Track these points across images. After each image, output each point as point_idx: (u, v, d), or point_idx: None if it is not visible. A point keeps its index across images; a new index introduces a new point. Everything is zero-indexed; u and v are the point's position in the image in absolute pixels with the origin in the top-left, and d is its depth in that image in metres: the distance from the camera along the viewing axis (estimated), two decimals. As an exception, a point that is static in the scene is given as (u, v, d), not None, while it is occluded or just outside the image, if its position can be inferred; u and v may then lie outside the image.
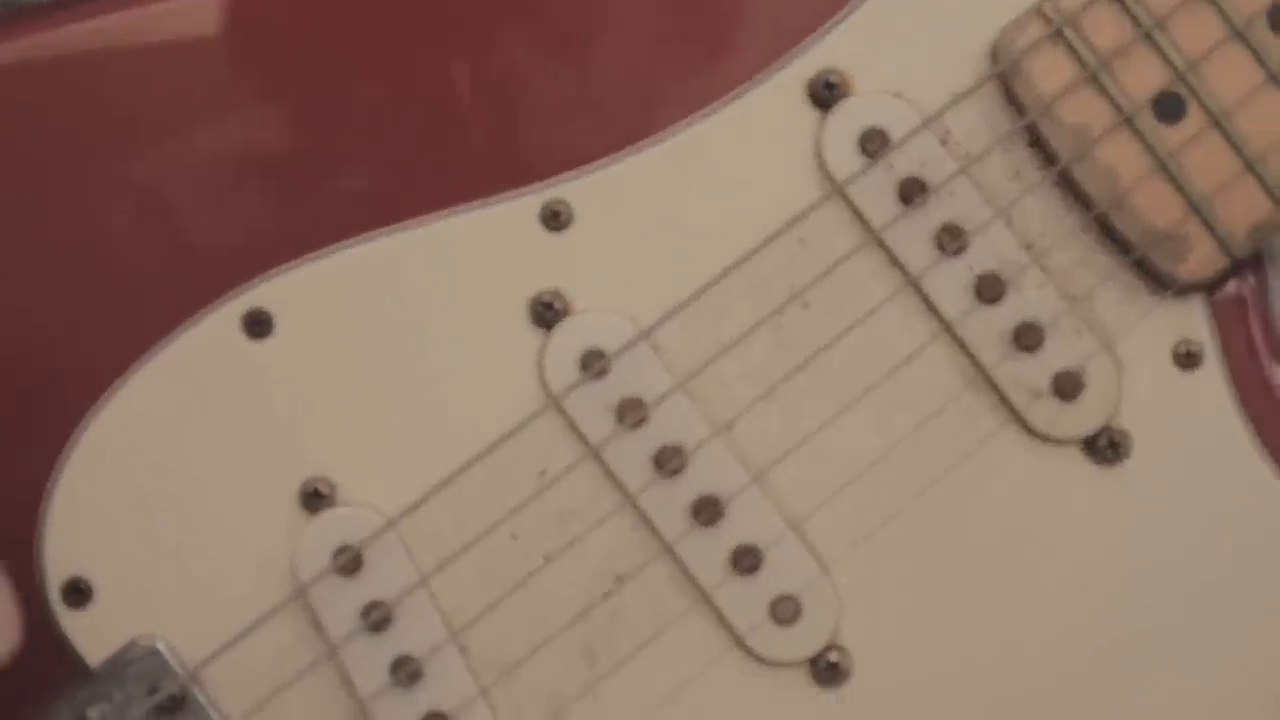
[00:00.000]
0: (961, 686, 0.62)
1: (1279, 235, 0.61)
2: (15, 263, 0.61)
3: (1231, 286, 0.62)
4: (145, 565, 0.62)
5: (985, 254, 0.61)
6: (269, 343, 0.62)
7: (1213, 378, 0.61)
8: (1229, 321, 0.62)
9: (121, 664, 0.62)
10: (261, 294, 0.61)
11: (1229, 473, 0.61)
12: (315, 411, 0.62)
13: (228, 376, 0.62)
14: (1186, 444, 0.61)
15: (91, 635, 0.62)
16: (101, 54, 0.61)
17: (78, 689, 0.62)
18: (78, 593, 0.62)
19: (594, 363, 0.61)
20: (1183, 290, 0.61)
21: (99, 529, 0.62)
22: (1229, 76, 0.60)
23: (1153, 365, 0.61)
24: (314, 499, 0.62)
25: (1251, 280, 0.62)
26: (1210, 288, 0.62)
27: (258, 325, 0.61)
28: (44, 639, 0.62)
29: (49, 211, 0.61)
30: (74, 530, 0.62)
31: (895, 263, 0.61)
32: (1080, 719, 0.61)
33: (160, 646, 0.62)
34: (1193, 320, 0.61)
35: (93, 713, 0.61)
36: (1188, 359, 0.61)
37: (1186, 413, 0.61)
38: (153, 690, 0.61)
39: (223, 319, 0.61)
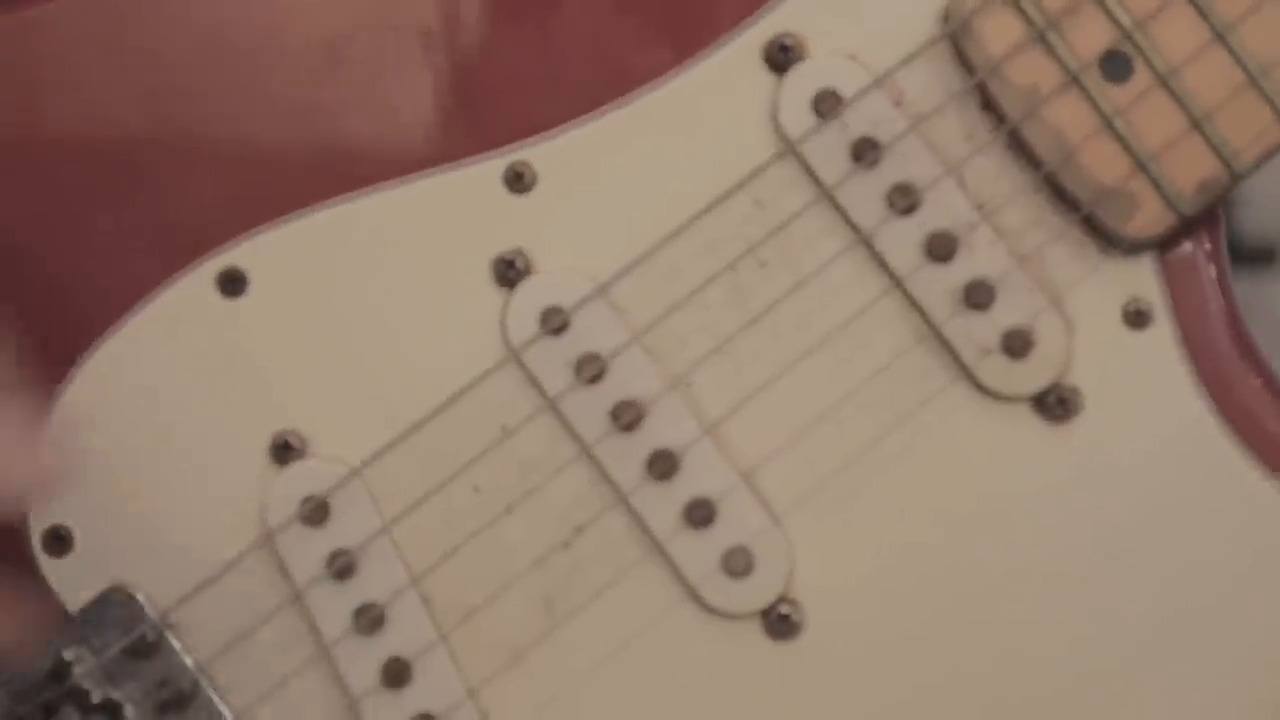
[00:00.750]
0: (911, 639, 0.62)
1: (1224, 196, 0.61)
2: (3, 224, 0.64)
3: (1185, 245, 0.63)
4: (123, 515, 0.64)
5: (937, 212, 0.62)
6: (243, 301, 0.64)
7: (1162, 337, 0.62)
8: (1180, 281, 0.62)
9: (99, 609, 0.64)
10: (236, 255, 0.64)
11: (1178, 432, 0.62)
12: (286, 367, 0.64)
13: (203, 334, 0.64)
14: (1136, 402, 0.62)
15: (71, 581, 0.64)
16: (81, 24, 0.64)
17: (56, 633, 0.64)
18: (58, 540, 0.64)
19: (553, 319, 0.63)
20: (1132, 249, 0.62)
21: (80, 480, 0.64)
22: (1175, 35, 0.61)
23: (1102, 323, 0.62)
24: (284, 451, 0.64)
25: (1207, 243, 0.63)
26: (1162, 247, 0.62)
27: (232, 284, 0.64)
28: (30, 586, 0.64)
29: (31, 173, 0.64)
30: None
31: (847, 220, 0.62)
32: (1024, 667, 0.62)
33: (136, 593, 0.64)
34: (1143, 279, 0.62)
35: (69, 654, 0.63)
36: (1137, 317, 0.62)
37: (1136, 371, 0.62)
38: (128, 633, 0.63)
39: (199, 278, 0.64)
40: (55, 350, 0.64)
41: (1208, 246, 0.63)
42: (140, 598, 0.64)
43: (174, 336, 0.64)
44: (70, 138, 0.65)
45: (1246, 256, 1.19)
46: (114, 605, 0.64)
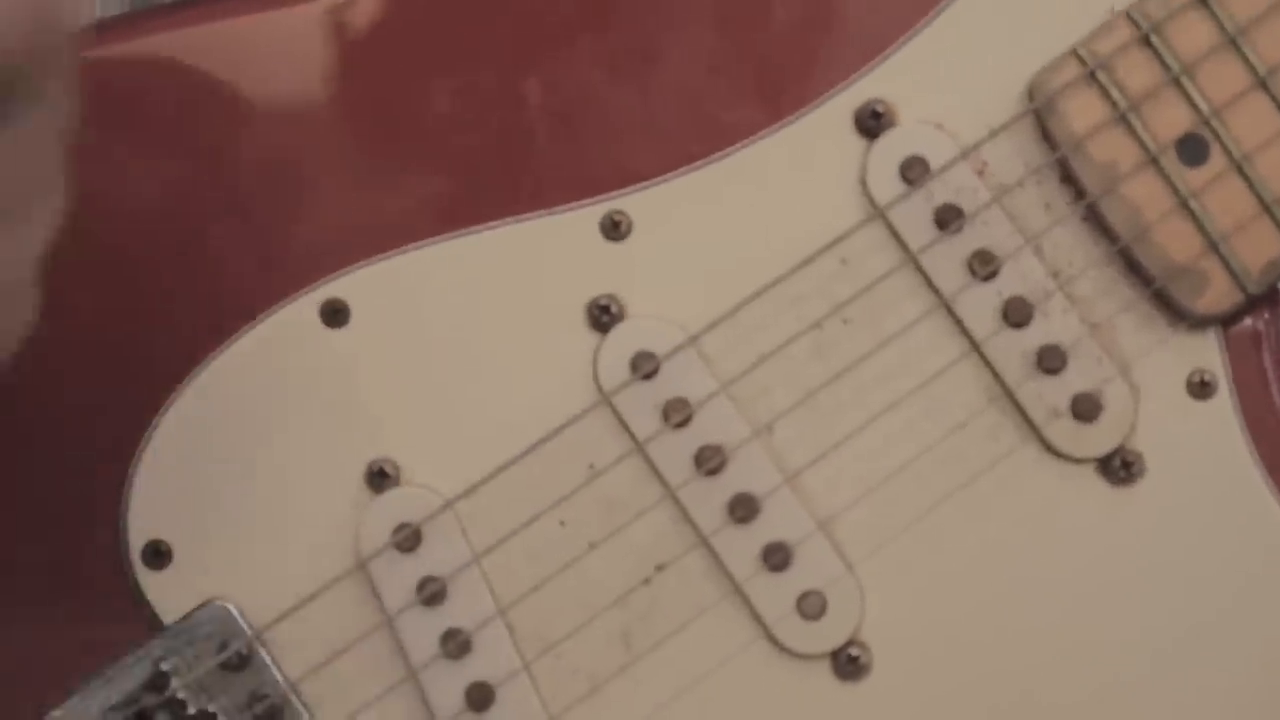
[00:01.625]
0: (973, 686, 0.66)
1: (1289, 275, 0.64)
2: (121, 244, 0.67)
3: (1247, 321, 0.66)
4: (221, 532, 0.67)
5: (1014, 279, 0.65)
6: (344, 331, 0.66)
7: (1224, 408, 0.65)
8: (1242, 354, 0.65)
9: (194, 622, 0.66)
10: (340, 286, 0.66)
11: (1234, 500, 0.65)
12: (384, 397, 0.67)
13: (305, 361, 0.66)
14: (1196, 470, 0.65)
15: (168, 594, 0.67)
16: (212, 55, 0.67)
17: (152, 643, 0.66)
18: (157, 555, 0.67)
19: (644, 364, 0.66)
20: (1199, 322, 0.65)
21: (180, 496, 0.67)
22: (1251, 123, 0.64)
23: (1167, 392, 0.65)
24: (379, 478, 0.66)
25: (1266, 315, 0.66)
26: (1226, 321, 0.65)
27: (335, 315, 0.66)
28: (124, 597, 0.67)
29: (154, 199, 0.66)
30: (157, 496, 0.67)
31: (929, 284, 0.65)
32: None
33: (231, 608, 0.66)
34: (1207, 351, 0.65)
35: (165, 665, 0.66)
36: (1201, 388, 0.65)
37: (1198, 440, 0.65)
38: (221, 647, 0.66)
39: (303, 307, 0.66)
40: (162, 368, 0.66)
41: (1267, 317, 0.66)
42: (235, 612, 0.66)
43: (277, 361, 0.67)
44: (190, 162, 0.67)
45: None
46: (209, 619, 0.66)
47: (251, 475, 0.67)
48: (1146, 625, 0.65)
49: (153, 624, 0.67)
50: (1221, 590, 0.65)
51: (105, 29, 0.69)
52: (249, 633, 0.66)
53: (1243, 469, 0.65)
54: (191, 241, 0.67)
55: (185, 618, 0.66)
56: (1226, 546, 0.65)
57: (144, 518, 0.67)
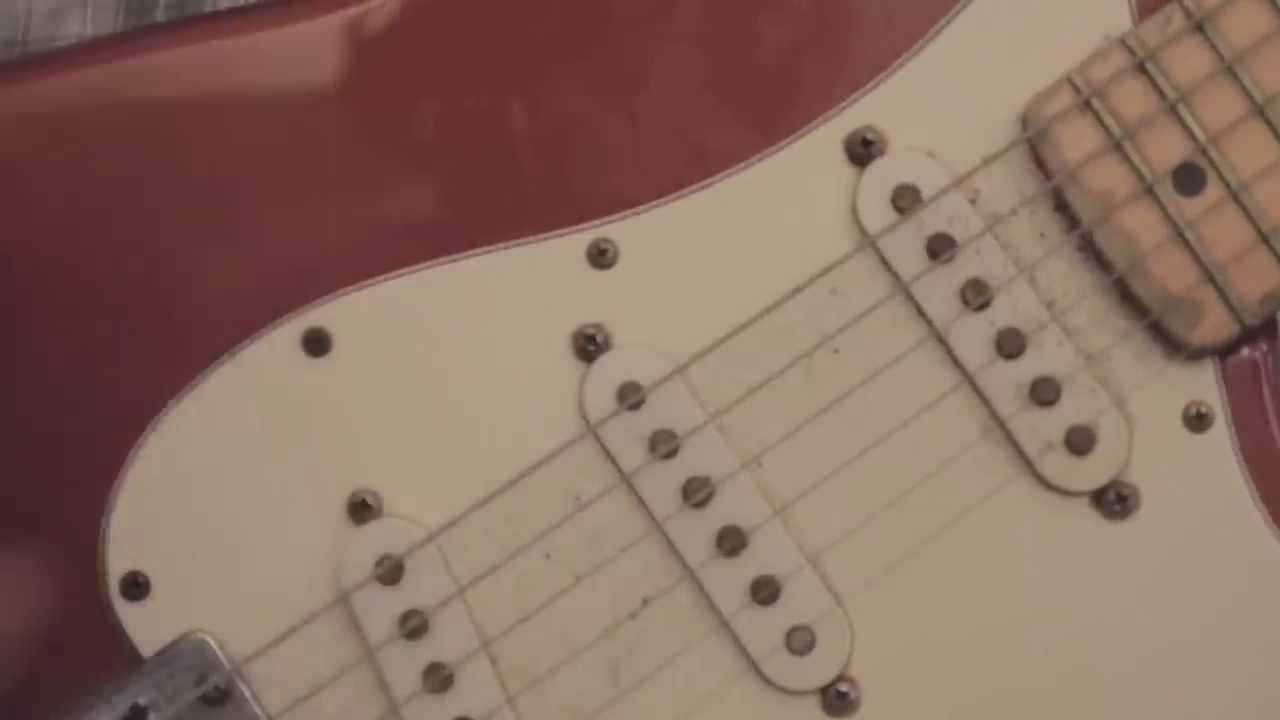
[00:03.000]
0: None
1: (1286, 306, 0.63)
2: (96, 272, 0.66)
3: (1245, 352, 0.65)
4: (200, 564, 0.66)
5: (1007, 310, 0.64)
6: (327, 361, 0.65)
7: (1221, 440, 0.64)
8: (1240, 386, 0.64)
9: (172, 655, 0.65)
10: (322, 314, 0.65)
11: (1231, 535, 0.64)
12: (366, 427, 0.66)
13: (287, 390, 0.65)
14: (1192, 503, 0.64)
15: (146, 627, 0.66)
16: (189, 80, 0.66)
17: (131, 677, 0.65)
18: (135, 586, 0.66)
19: (630, 395, 0.64)
20: (1195, 354, 0.64)
21: (159, 527, 0.66)
22: (1249, 151, 0.63)
23: (1163, 425, 0.64)
24: (361, 510, 0.65)
25: (1264, 346, 0.65)
26: (1223, 353, 0.64)
27: (317, 344, 0.65)
28: (101, 629, 0.66)
29: (132, 225, 0.65)
30: (136, 527, 0.66)
31: (921, 314, 0.64)
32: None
33: (209, 641, 0.65)
34: (1204, 383, 0.64)
35: (143, 699, 0.65)
36: (1197, 420, 0.64)
37: (1194, 473, 0.64)
38: (200, 681, 0.65)
39: (284, 336, 0.65)
40: (142, 397, 0.65)
41: (1264, 353, 0.65)
42: (214, 646, 0.65)
43: (258, 390, 0.66)
44: (168, 188, 0.66)
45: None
46: (188, 652, 0.65)
47: (232, 505, 0.66)
48: (1141, 661, 0.64)
49: (131, 657, 0.66)
50: (1218, 627, 0.64)
51: (88, 50, 0.68)
52: (228, 666, 0.65)
53: (1240, 503, 0.64)
54: (172, 269, 0.66)
55: (164, 651, 0.65)
56: (1223, 582, 0.64)
57: (123, 548, 0.66)
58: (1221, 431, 0.64)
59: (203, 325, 0.66)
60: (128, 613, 0.66)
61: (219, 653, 0.65)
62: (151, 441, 0.65)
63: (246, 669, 0.65)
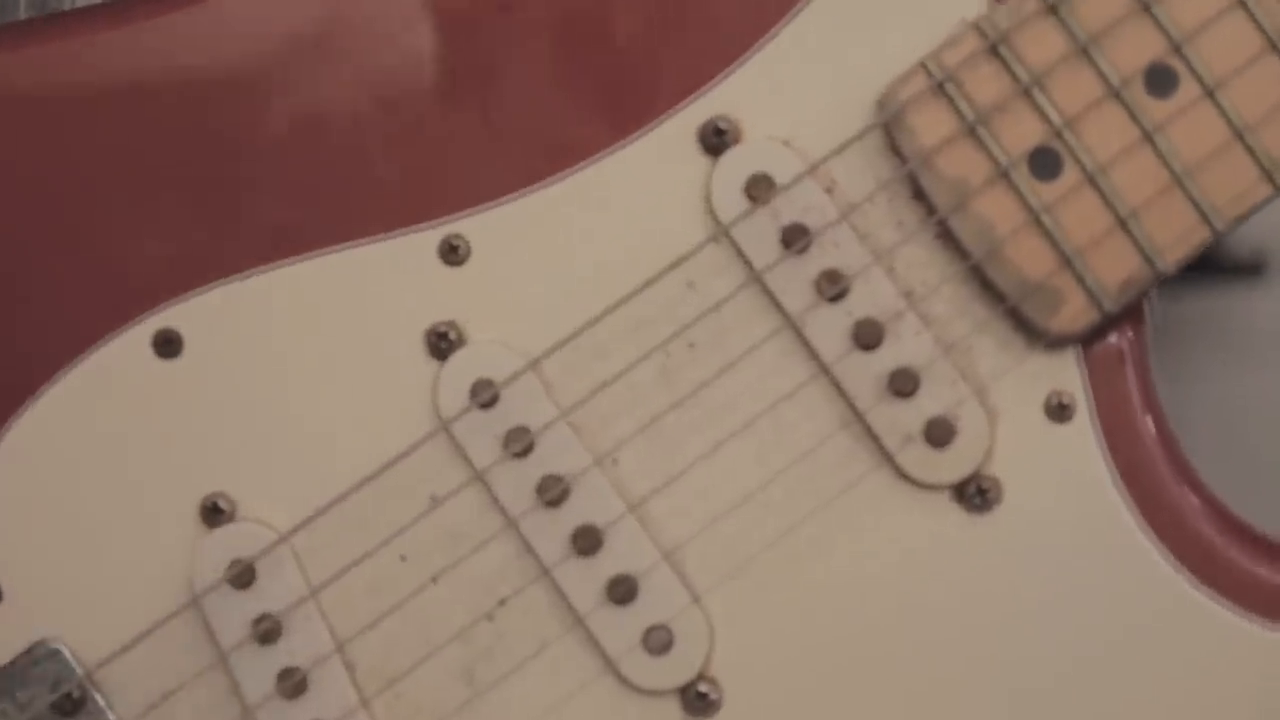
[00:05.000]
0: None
1: (1146, 292, 0.62)
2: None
3: (1110, 339, 0.63)
4: (52, 570, 0.65)
5: (864, 300, 0.63)
6: (178, 362, 0.65)
7: (1084, 430, 0.63)
8: (1104, 374, 0.63)
9: (25, 664, 0.65)
10: (172, 315, 0.64)
11: (1096, 527, 0.62)
12: (219, 429, 0.65)
13: (137, 393, 0.65)
14: (1056, 495, 0.63)
15: (-2, 636, 0.65)
16: (38, 78, 0.65)
17: (-18, 686, 0.64)
18: (-14, 594, 0.65)
19: (483, 392, 0.63)
20: (1056, 342, 0.63)
21: (10, 535, 0.65)
22: (1105, 134, 0.61)
23: (1024, 415, 0.63)
24: (213, 513, 0.64)
25: (1130, 334, 0.64)
26: (1087, 340, 0.63)
27: (167, 345, 0.64)
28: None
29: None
30: (-14, 534, 0.65)
31: (776, 305, 0.63)
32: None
33: (62, 648, 0.64)
34: (1066, 372, 0.63)
35: (-7, 708, 0.64)
36: (1059, 410, 0.63)
37: (1057, 464, 0.63)
38: (53, 689, 0.64)
39: (134, 338, 0.64)
40: (-13, 403, 0.65)
41: (1130, 340, 0.64)
42: (67, 653, 0.64)
43: (108, 394, 0.65)
44: (14, 189, 0.65)
45: (1234, 269, 1.19)
46: (40, 660, 0.65)
47: (83, 511, 0.65)
48: (1006, 657, 0.63)
49: (-15, 666, 0.65)
50: (1083, 621, 0.62)
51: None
52: (80, 673, 0.64)
53: (1103, 493, 0.63)
54: (17, 272, 0.65)
55: (14, 659, 0.65)
56: (1088, 574, 0.63)
57: (-27, 556, 0.65)
58: (1084, 421, 0.63)
59: (52, 328, 0.65)
60: (-22, 623, 0.65)
61: (72, 660, 0.64)
62: (1, 447, 0.64)
63: (99, 676, 0.65)
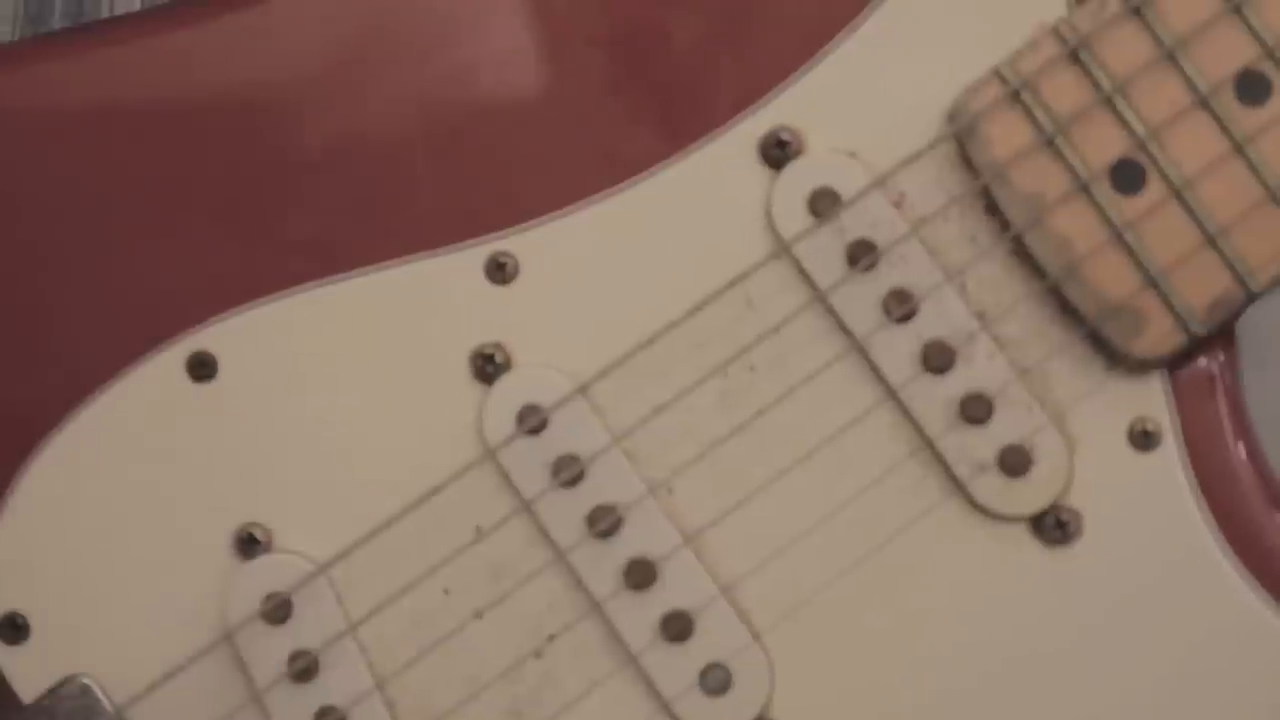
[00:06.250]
0: (892, 765, 0.60)
1: (1238, 314, 0.58)
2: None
3: (1200, 363, 0.60)
4: (82, 603, 0.62)
5: (934, 320, 0.59)
6: (212, 386, 0.62)
7: (1170, 460, 0.59)
8: (1192, 401, 0.59)
9: (53, 700, 0.62)
10: (206, 337, 0.62)
11: (1181, 562, 0.59)
12: (254, 456, 0.62)
13: (170, 418, 0.62)
14: (1140, 529, 0.59)
15: (26, 670, 0.62)
16: (64, 95, 0.62)
17: (10, 722, 0.62)
18: (14, 628, 0.62)
19: (531, 417, 0.60)
20: (1139, 366, 0.59)
21: (39, 566, 0.62)
22: (1192, 146, 0.58)
23: (1106, 444, 0.59)
24: (248, 544, 0.61)
25: (1221, 357, 0.60)
26: (1173, 364, 0.59)
27: (201, 367, 0.62)
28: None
29: (8, 244, 0.62)
30: (14, 566, 0.62)
31: (841, 326, 0.60)
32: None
33: (91, 684, 0.62)
34: (1151, 398, 0.59)
35: (21, 746, 0.61)
36: (1144, 438, 0.59)
37: (1141, 496, 0.59)
38: (82, 727, 0.61)
39: (168, 360, 0.62)
40: (18, 428, 0.62)
41: (1221, 364, 0.60)
42: (96, 690, 0.62)
43: (140, 419, 0.62)
44: (45, 210, 0.62)
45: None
46: (70, 697, 0.62)
47: (114, 541, 0.62)
48: (1085, 699, 0.59)
49: (11, 703, 0.62)
50: (1169, 663, 0.59)
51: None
52: (111, 710, 0.61)
53: (1191, 527, 0.59)
54: (51, 291, 0.62)
55: (44, 695, 0.62)
56: (1172, 613, 0.59)
57: (1, 588, 0.62)
58: (1171, 450, 0.59)
59: (84, 350, 0.62)
60: (7, 657, 0.62)
61: (102, 696, 0.62)
62: (30, 475, 0.62)
63: (130, 712, 0.62)
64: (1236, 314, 0.59)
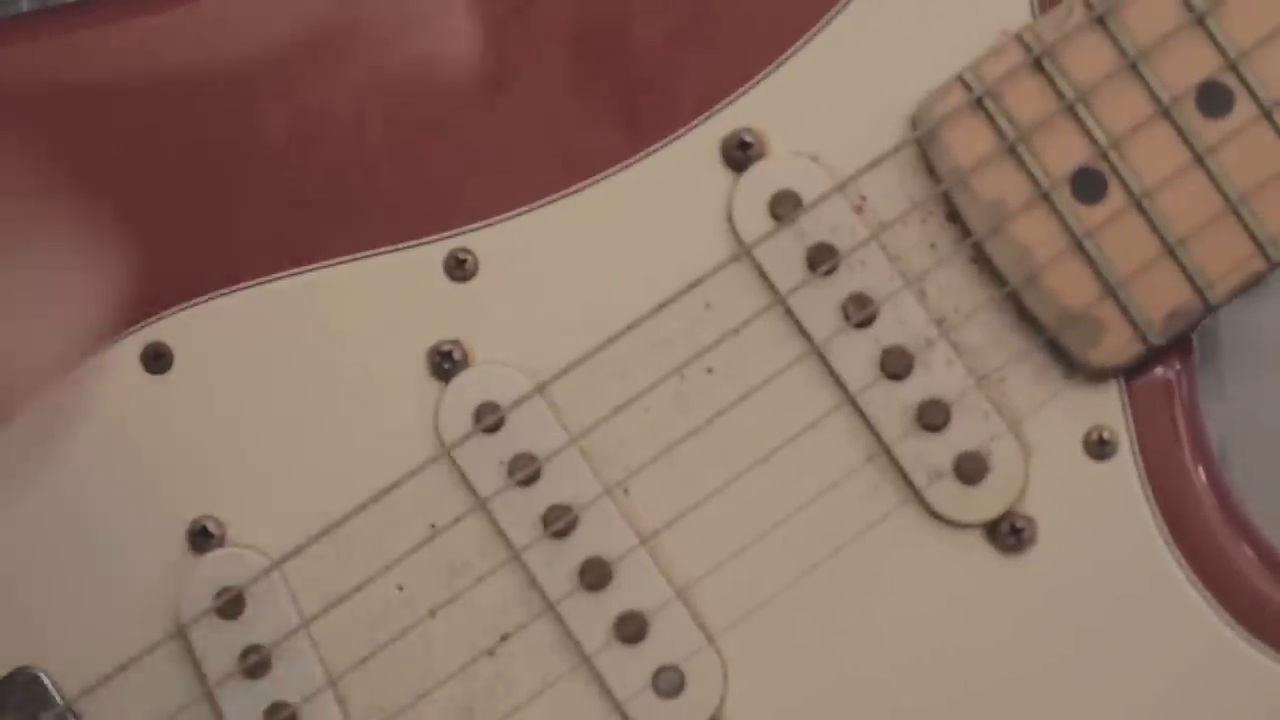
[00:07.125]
0: (844, 770, 0.60)
1: (1195, 325, 0.58)
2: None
3: (1156, 372, 0.60)
4: (33, 596, 0.62)
5: (893, 326, 0.59)
6: (167, 378, 0.61)
7: (1125, 468, 0.59)
8: (1148, 410, 0.60)
9: (4, 691, 0.61)
10: (162, 329, 0.61)
11: (1135, 570, 0.59)
12: (209, 449, 0.61)
13: (124, 410, 0.61)
14: (1094, 537, 0.59)
15: (-23, 662, 0.62)
16: (27, 81, 0.62)
17: (-42, 714, 0.61)
18: (-35, 620, 0.62)
19: (488, 415, 0.60)
20: (1097, 375, 0.59)
21: (-9, 557, 0.62)
22: (1154, 156, 0.58)
23: (1062, 451, 0.59)
24: (202, 538, 0.61)
25: (1177, 367, 0.60)
26: (1130, 373, 0.59)
27: (157, 360, 0.61)
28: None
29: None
30: (-37, 557, 0.62)
31: (800, 330, 0.60)
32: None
33: (42, 676, 0.61)
34: (1107, 407, 0.59)
35: (-30, 738, 0.61)
36: (1100, 446, 0.59)
37: (1096, 504, 0.59)
38: (32, 718, 0.61)
39: (122, 352, 0.61)
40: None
41: (1178, 374, 0.60)
42: (47, 682, 0.61)
43: (94, 411, 0.61)
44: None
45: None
46: (19, 688, 0.62)
47: (66, 533, 0.62)
48: (1038, 707, 0.59)
49: (-39, 693, 0.62)
50: (1120, 671, 0.59)
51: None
52: (61, 702, 0.61)
53: (1144, 536, 0.59)
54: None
55: (-6, 686, 0.61)
56: (1127, 621, 0.59)
57: (-51, 580, 0.62)
58: (1126, 459, 0.59)
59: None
60: (-43, 647, 0.62)
61: (52, 688, 0.61)
62: (-18, 465, 0.61)
63: (80, 705, 0.61)
64: (1194, 325, 0.59)
